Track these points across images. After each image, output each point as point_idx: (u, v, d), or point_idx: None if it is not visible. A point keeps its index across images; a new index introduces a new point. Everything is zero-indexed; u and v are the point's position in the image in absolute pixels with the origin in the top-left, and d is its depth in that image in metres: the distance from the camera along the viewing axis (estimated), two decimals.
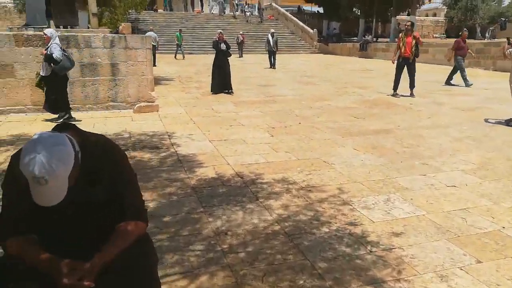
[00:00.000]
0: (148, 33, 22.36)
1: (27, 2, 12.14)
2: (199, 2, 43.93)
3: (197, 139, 6.43)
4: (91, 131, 1.88)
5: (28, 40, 7.87)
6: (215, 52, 11.64)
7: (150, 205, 3.83)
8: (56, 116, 7.57)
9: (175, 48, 25.77)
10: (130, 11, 30.75)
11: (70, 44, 8.08)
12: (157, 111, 8.65)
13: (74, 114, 8.16)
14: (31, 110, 8.13)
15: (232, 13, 39.20)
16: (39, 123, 7.35)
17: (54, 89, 7.27)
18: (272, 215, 3.65)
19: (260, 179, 4.60)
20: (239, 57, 25.94)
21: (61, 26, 9.67)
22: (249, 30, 34.44)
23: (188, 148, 5.89)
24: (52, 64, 7.01)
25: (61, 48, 7.10)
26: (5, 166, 5.06)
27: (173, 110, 8.78)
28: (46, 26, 9.36)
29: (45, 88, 7.31)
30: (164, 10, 38.95)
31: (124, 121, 7.68)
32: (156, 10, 38.55)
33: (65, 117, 7.53)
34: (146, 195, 4.01)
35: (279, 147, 5.98)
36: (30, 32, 7.93)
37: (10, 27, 8.39)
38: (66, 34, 8.10)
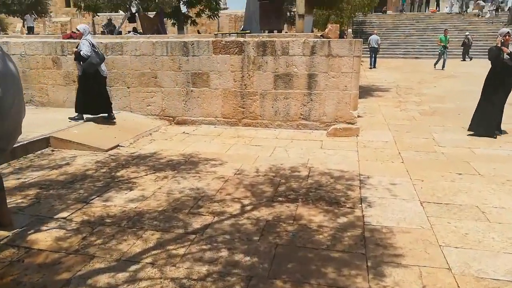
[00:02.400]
0: (371, 37, 20.92)
1: (246, 8, 12.04)
2: (435, 0, 38.97)
3: (401, 194, 4.22)
4: None
5: (226, 47, 7.18)
6: (491, 66, 6.55)
7: None
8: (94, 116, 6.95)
9: (438, 55, 19.21)
10: (357, 13, 29.67)
11: (266, 51, 7.01)
12: (357, 135, 6.72)
13: (263, 131, 7.11)
14: (220, 123, 7.49)
15: (477, 11, 32.91)
16: (221, 139, 6.53)
17: (90, 89, 6.60)
18: None
19: None
20: (462, 60, 22.44)
21: (267, 31, 8.92)
22: (493, 30, 28.06)
23: (383, 213, 3.78)
24: (81, 62, 6.43)
25: (91, 44, 6.39)
26: (152, 202, 4.08)
27: (377, 136, 6.67)
28: (248, 31, 8.70)
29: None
30: (400, 12, 35.96)
31: (311, 147, 6.08)
32: (385, 12, 36.10)
33: (109, 117, 6.91)
34: None
35: None
36: (230, 38, 7.28)
37: (216, 33, 7.90)
38: (263, 39, 7.07)
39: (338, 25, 7.21)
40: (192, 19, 31.24)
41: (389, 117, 8.36)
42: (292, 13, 18.09)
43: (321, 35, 7.56)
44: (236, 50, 7.15)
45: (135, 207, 3.91)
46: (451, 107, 9.44)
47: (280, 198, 4.13)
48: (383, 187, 4.43)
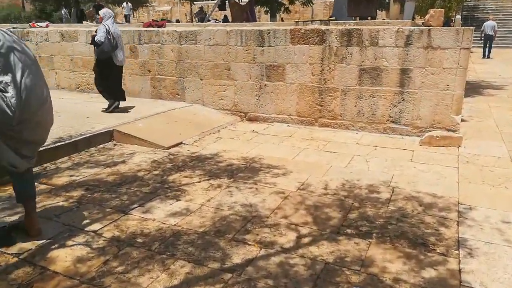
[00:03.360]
0: (486, 23, 18.72)
1: None
2: None
3: None
4: None
5: (305, 37, 6.35)
6: None
7: None
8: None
9: None
10: None
11: (351, 41, 6.03)
12: (458, 146, 5.46)
13: (342, 133, 6.20)
14: (294, 122, 6.72)
15: None
16: (291, 142, 5.78)
17: (104, 75, 6.50)
18: None
19: None
20: None
21: (357, 18, 7.83)
22: None
23: (491, 269, 2.73)
24: (96, 47, 6.32)
25: (107, 30, 6.15)
26: (195, 218, 3.36)
27: (485, 149, 5.35)
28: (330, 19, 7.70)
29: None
30: None
31: (398, 158, 5.04)
32: None
33: (113, 107, 6.67)
34: None
35: None
36: (310, 26, 6.42)
37: (297, 20, 7.10)
38: (348, 28, 6.08)
39: (443, 10, 5.90)
40: (286, 6, 30.47)
41: (503, 123, 6.81)
42: None
43: (422, 23, 6.34)
44: (316, 40, 6.28)
45: (175, 224, 3.38)
46: None
47: (349, 230, 3.28)
48: (492, 226, 3.32)
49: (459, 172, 4.56)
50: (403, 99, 5.92)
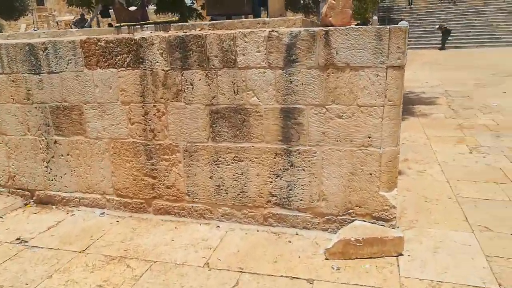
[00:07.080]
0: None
1: None
2: None
3: None
4: None
5: (108, 54, 3.38)
6: None
7: None
8: None
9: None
10: None
11: (189, 59, 3.17)
12: (398, 255, 2.80)
13: (190, 231, 3.30)
14: (113, 205, 3.71)
15: None
16: (70, 276, 2.77)
17: None
18: None
19: None
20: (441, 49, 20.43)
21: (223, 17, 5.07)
22: None
23: None
24: None
25: None
26: None
27: (446, 258, 2.74)
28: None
29: None
30: None
31: None
32: None
33: None
34: None
35: None
36: (115, 35, 3.48)
37: (117, 25, 4.06)
38: (180, 34, 3.22)
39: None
40: (198, 12, 27.48)
41: (455, 174, 4.36)
42: None
43: (319, 21, 3.68)
44: (128, 59, 3.33)
45: None
46: None
47: None
48: None
49: None
50: (292, 164, 3.15)
